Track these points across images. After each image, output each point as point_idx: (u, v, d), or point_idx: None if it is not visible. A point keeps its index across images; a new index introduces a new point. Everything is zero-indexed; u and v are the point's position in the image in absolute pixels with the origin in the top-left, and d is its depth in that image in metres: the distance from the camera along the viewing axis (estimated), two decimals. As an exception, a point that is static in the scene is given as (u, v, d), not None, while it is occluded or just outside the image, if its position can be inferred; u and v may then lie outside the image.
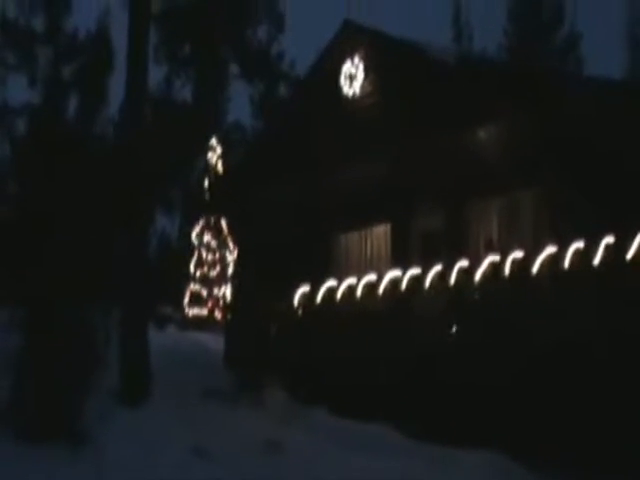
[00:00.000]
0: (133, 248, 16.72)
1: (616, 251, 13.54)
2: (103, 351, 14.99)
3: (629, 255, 13.47)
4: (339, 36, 19.46)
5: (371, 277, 17.22)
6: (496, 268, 14.86)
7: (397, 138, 17.48)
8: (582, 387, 12.56)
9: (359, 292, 17.24)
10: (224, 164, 28.75)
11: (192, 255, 28.24)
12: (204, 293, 27.68)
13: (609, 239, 13.68)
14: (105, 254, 18.86)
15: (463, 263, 15.50)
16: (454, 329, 14.96)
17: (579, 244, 13.93)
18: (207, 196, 27.03)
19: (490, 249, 15.72)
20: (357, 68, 19.21)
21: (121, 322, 16.35)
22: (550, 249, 14.24)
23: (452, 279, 15.48)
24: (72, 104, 34.84)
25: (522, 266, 14.50)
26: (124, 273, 16.78)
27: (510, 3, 36.92)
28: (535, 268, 14.27)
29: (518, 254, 14.80)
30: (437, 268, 15.91)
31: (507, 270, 14.77)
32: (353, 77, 19.26)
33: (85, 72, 35.07)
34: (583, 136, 14.86)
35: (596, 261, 13.67)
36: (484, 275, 14.98)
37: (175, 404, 15.09)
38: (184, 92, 35.85)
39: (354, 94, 19.24)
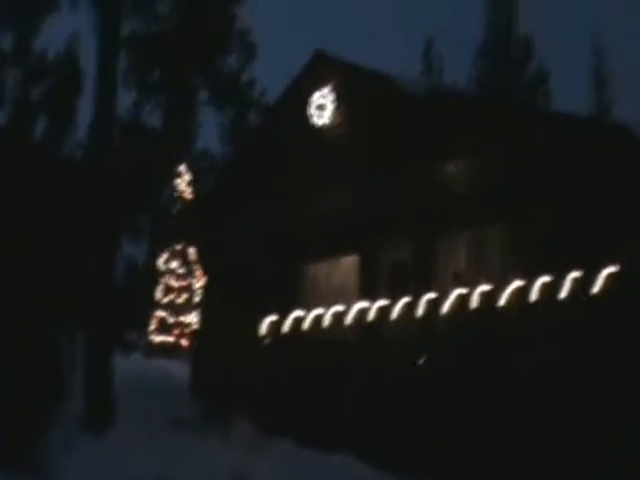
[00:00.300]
0: (100, 272, 16.58)
1: (582, 285, 13.64)
2: (68, 376, 14.83)
3: (595, 289, 13.60)
4: (310, 66, 19.49)
5: (339, 307, 17.18)
6: (464, 300, 14.89)
7: (366, 169, 17.53)
8: (551, 421, 12.59)
9: (327, 322, 17.20)
10: (193, 191, 28.68)
11: (159, 282, 28.05)
12: (170, 320, 27.49)
13: (575, 273, 13.80)
14: (72, 277, 18.65)
15: (431, 295, 15.52)
16: (422, 360, 14.92)
17: (546, 278, 14.03)
18: (175, 223, 26.92)
19: (458, 282, 15.78)
20: (327, 98, 19.22)
21: (86, 347, 16.19)
22: (517, 282, 14.33)
23: (420, 310, 15.48)
24: (40, 126, 34.73)
25: (489, 299, 14.54)
26: (90, 297, 16.61)
27: (480, 37, 37.47)
28: (502, 301, 14.33)
29: (485, 287, 14.85)
30: (405, 299, 15.91)
31: (475, 302, 14.80)
32: (323, 107, 19.27)
33: (53, 93, 34.94)
34: (550, 171, 14.99)
35: (562, 295, 13.78)
36: (452, 307, 15.00)
37: (140, 433, 14.88)
38: (153, 118, 35.84)
39: (324, 124, 19.24)
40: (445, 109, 16.39)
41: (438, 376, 14.49)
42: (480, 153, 15.75)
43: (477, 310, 14.82)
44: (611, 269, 13.65)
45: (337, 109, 19.04)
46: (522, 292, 14.21)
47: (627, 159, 14.81)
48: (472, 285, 15.17)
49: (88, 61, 21.96)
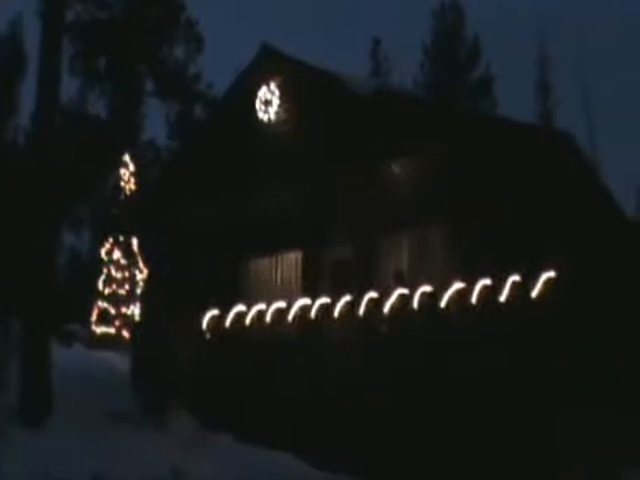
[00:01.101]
0: (38, 260, 16.31)
1: (521, 289, 13.80)
2: (2, 368, 14.53)
3: (534, 293, 13.76)
4: (256, 60, 19.35)
5: (281, 304, 17.15)
6: (405, 300, 14.96)
7: (311, 167, 17.48)
8: (487, 423, 12.70)
9: (269, 318, 17.13)
10: (137, 182, 28.34)
11: (101, 272, 27.70)
12: (112, 311, 27.17)
13: (515, 277, 13.95)
14: (7, 265, 18.30)
15: (373, 294, 15.55)
16: (362, 358, 14.96)
17: (486, 281, 14.16)
18: (117, 213, 26.62)
19: (399, 282, 15.82)
20: (273, 94, 19.10)
21: (23, 338, 15.96)
22: (458, 284, 14.44)
23: (361, 309, 15.51)
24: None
25: (431, 299, 14.62)
26: (26, 286, 16.35)
27: (427, 40, 37.68)
28: (443, 302, 14.43)
29: (427, 288, 14.93)
30: (347, 298, 15.92)
31: (416, 303, 14.88)
32: (269, 102, 19.15)
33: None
34: (491, 174, 15.10)
35: (502, 298, 13.93)
36: (393, 307, 15.07)
37: (77, 426, 14.72)
38: (98, 106, 35.43)
39: (269, 120, 19.10)
40: (390, 110, 16.36)
41: (378, 376, 14.49)
42: (422, 154, 15.82)
43: (418, 311, 14.85)
44: (549, 274, 13.80)
45: (283, 105, 18.94)
46: (462, 294, 14.27)
47: (568, 165, 14.99)
48: (413, 286, 15.18)
49: (33, 45, 21.49)
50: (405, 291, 15.14)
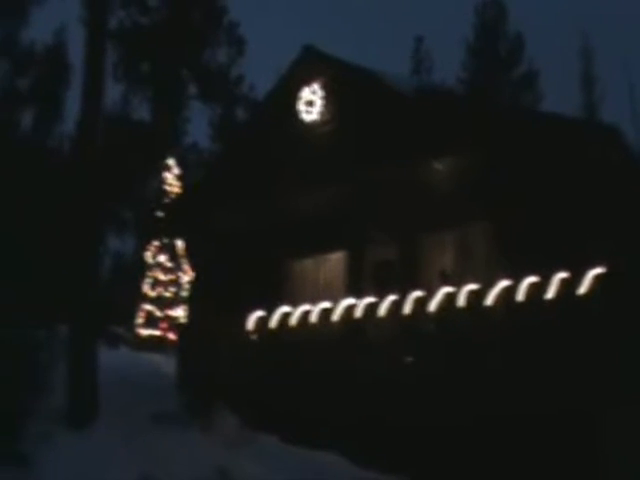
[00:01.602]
0: (83, 264, 16.40)
1: (568, 286, 13.59)
2: (47, 371, 14.63)
3: (581, 290, 13.56)
4: (299, 62, 19.48)
5: (326, 304, 17.10)
6: (451, 299, 14.83)
7: (353, 166, 17.49)
8: (535, 419, 12.55)
9: (313, 318, 17.10)
10: (181, 185, 28.55)
11: (146, 275, 27.89)
12: (158, 314, 27.34)
13: (562, 274, 13.75)
14: (54, 270, 18.48)
15: (417, 293, 15.45)
16: (410, 359, 14.89)
17: (532, 278, 13.97)
18: (162, 216, 26.76)
19: (444, 280, 15.74)
20: (315, 94, 19.24)
21: (70, 341, 16.01)
22: (504, 282, 14.27)
23: (407, 308, 15.41)
24: (27, 118, 34.44)
25: (477, 298, 14.47)
26: (73, 290, 16.46)
27: (470, 37, 37.40)
28: (489, 300, 14.27)
29: (472, 286, 14.80)
30: (391, 297, 15.83)
31: (462, 301, 14.74)
32: (311, 103, 19.28)
33: (41, 85, 34.66)
34: (535, 170, 14.93)
35: (549, 295, 13.74)
36: (439, 305, 14.94)
37: (123, 428, 14.73)
38: (142, 111, 35.73)
39: (312, 120, 19.24)
40: (433, 108, 16.33)
41: (424, 375, 14.39)
42: (464, 152, 15.74)
43: (465, 309, 14.71)
44: (597, 270, 13.58)
45: (325, 105, 19.03)
46: (509, 292, 14.11)
47: (613, 159, 14.76)
48: (458, 284, 15.06)
49: (77, 53, 21.75)
50: (451, 289, 15.00)
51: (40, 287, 16.89)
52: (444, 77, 35.17)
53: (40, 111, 34.38)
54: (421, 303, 15.30)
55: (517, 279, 14.04)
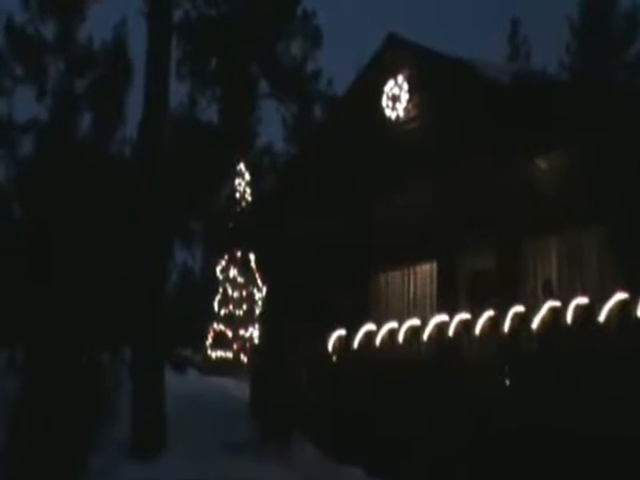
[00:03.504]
0: (148, 281, 16.68)
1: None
2: (113, 398, 14.87)
3: None
4: (382, 52, 19.46)
5: (415, 321, 17.02)
6: (557, 315, 14.55)
7: (445, 167, 17.36)
8: None
9: (401, 337, 17.01)
10: (253, 192, 28.72)
11: (216, 292, 28.12)
12: (229, 334, 27.54)
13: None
14: (118, 288, 18.73)
15: (518, 308, 15.23)
16: (508, 382, 14.68)
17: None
18: (233, 227, 26.94)
19: (549, 293, 15.48)
20: (401, 88, 19.18)
21: (134, 365, 16.34)
22: (619, 295, 13.92)
23: (506, 325, 15.20)
24: (85, 121, 35.03)
25: (587, 313, 14.18)
26: (139, 310, 16.70)
27: (573, 16, 36.79)
28: (602, 316, 13.96)
29: (582, 300, 14.51)
30: (489, 313, 15.63)
31: (570, 317, 14.45)
32: (396, 98, 19.23)
33: (100, 86, 35.21)
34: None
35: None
36: (543, 322, 14.68)
37: (193, 459, 14.92)
38: (209, 112, 36.09)
39: (397, 117, 19.19)
40: (534, 98, 16.05)
41: (526, 400, 14.12)
42: (572, 147, 15.53)
43: (572, 326, 14.42)
44: None
45: (412, 100, 18.96)
46: (625, 306, 13.75)
47: None
48: (565, 298, 14.77)
49: (138, 51, 22.05)
50: (556, 304, 14.72)
51: (103, 306, 17.08)
52: (545, 63, 34.76)
53: (99, 115, 34.92)
54: (522, 319, 15.07)
55: (635, 291, 13.68)
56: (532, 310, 14.96)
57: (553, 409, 13.70)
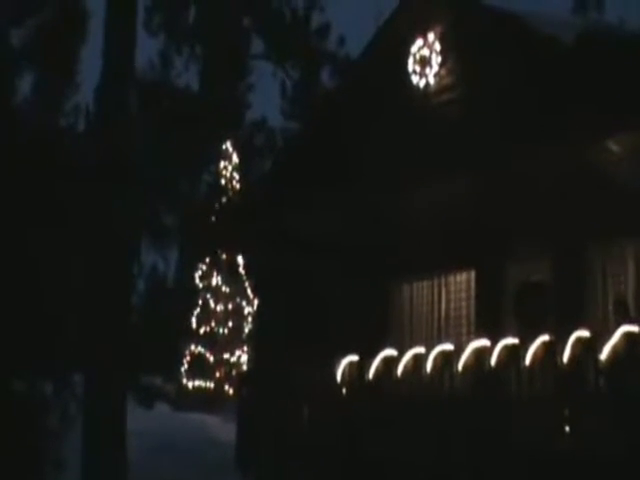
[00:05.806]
0: (107, 290, 16.71)
1: None
2: (57, 442, 14.99)
3: None
4: (406, 3, 19.56)
5: (447, 346, 16.86)
6: (632, 342, 14.27)
7: (487, 151, 17.26)
8: None
9: (429, 367, 16.79)
10: (242, 179, 28.82)
11: (194, 304, 28.24)
12: (210, 358, 27.68)
13: None
14: (65, 300, 18.66)
15: (581, 332, 14.95)
16: (568, 429, 14.46)
17: None
18: (217, 223, 26.92)
19: (622, 314, 15.35)
20: (432, 49, 19.25)
21: (87, 399, 16.39)
22: None
23: (566, 354, 14.90)
24: (25, 84, 34.77)
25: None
26: (93, 326, 16.72)
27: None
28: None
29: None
30: (543, 338, 15.37)
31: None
32: (426, 61, 19.33)
33: (44, 38, 34.97)
34: None
35: None
36: (614, 351, 14.40)
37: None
38: (188, 76, 36.03)
39: (427, 86, 19.31)
40: (605, 62, 15.94)
41: (593, 455, 13.87)
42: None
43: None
44: None
45: (445, 64, 19.07)
46: None
47: None
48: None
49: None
50: (632, 328, 14.46)
51: (48, 323, 17.02)
52: (622, 15, 34.58)
53: (43, 76, 34.74)
54: (586, 347, 14.85)
55: None
56: (600, 336, 14.75)
57: (629, 466, 13.46)
